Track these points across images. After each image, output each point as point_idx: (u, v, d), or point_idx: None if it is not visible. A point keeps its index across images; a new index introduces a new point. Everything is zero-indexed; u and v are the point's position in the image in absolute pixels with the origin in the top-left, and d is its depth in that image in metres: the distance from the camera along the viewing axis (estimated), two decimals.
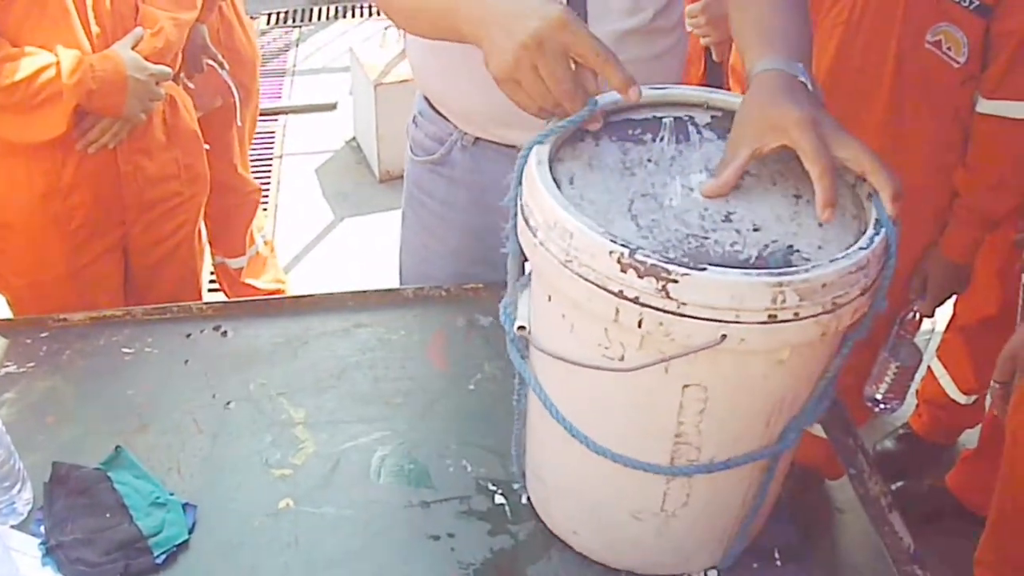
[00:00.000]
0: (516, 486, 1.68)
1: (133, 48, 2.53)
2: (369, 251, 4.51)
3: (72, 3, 2.42)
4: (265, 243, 3.98)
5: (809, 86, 1.44)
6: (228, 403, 1.85)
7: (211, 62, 3.30)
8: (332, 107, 5.54)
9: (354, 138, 5.26)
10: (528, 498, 1.67)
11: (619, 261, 1.17)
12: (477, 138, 2.08)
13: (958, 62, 2.43)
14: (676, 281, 1.16)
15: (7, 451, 1.60)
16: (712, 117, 1.52)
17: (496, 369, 1.86)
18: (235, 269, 3.87)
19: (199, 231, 3.09)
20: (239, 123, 3.49)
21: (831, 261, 1.21)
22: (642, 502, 1.46)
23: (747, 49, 1.55)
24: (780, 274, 1.17)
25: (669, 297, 1.17)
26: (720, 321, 1.17)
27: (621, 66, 1.39)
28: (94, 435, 1.78)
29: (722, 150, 1.42)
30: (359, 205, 4.86)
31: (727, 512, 1.52)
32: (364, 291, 2.11)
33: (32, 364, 1.93)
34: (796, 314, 1.18)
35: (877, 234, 1.26)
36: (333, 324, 2.02)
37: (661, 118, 1.50)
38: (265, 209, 4.25)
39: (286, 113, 5.47)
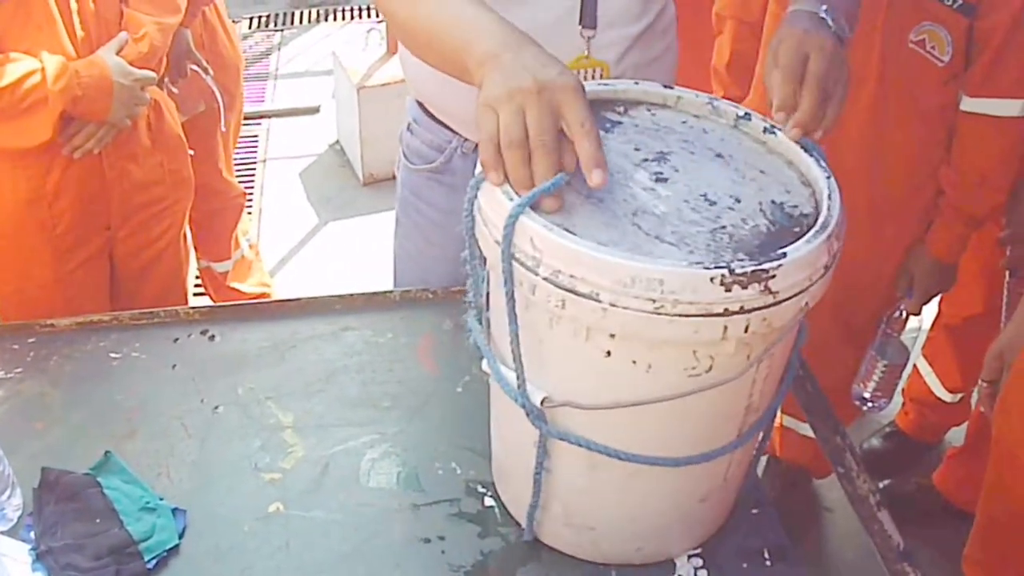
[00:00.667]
0: (526, 522, 1.63)
1: (118, 53, 2.53)
2: (353, 254, 4.51)
3: (57, 9, 2.42)
4: (250, 247, 3.98)
5: (829, 21, 1.56)
6: (216, 407, 1.84)
7: (195, 67, 3.29)
8: (315, 111, 5.53)
9: (337, 141, 5.25)
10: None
11: (723, 282, 1.19)
12: (478, 144, 2.06)
13: (942, 61, 2.44)
14: (774, 276, 1.20)
15: None
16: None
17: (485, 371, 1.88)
18: (220, 273, 3.86)
19: (184, 235, 3.09)
20: (223, 128, 3.48)
21: (829, 197, 1.33)
22: (710, 484, 1.50)
23: None
24: (823, 228, 1.28)
25: (770, 292, 1.21)
26: (802, 292, 1.25)
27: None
28: (83, 440, 1.77)
29: (622, 143, 1.46)
30: (343, 208, 4.85)
31: (753, 449, 1.61)
32: (351, 294, 2.10)
33: (20, 370, 1.92)
34: (835, 256, 1.29)
35: (819, 156, 1.43)
36: (320, 327, 2.01)
37: None
38: (250, 213, 4.24)
39: (269, 117, 5.46)
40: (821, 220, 1.29)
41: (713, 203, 1.35)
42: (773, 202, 1.36)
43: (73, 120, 2.52)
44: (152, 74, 2.62)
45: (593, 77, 1.88)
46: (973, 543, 2.40)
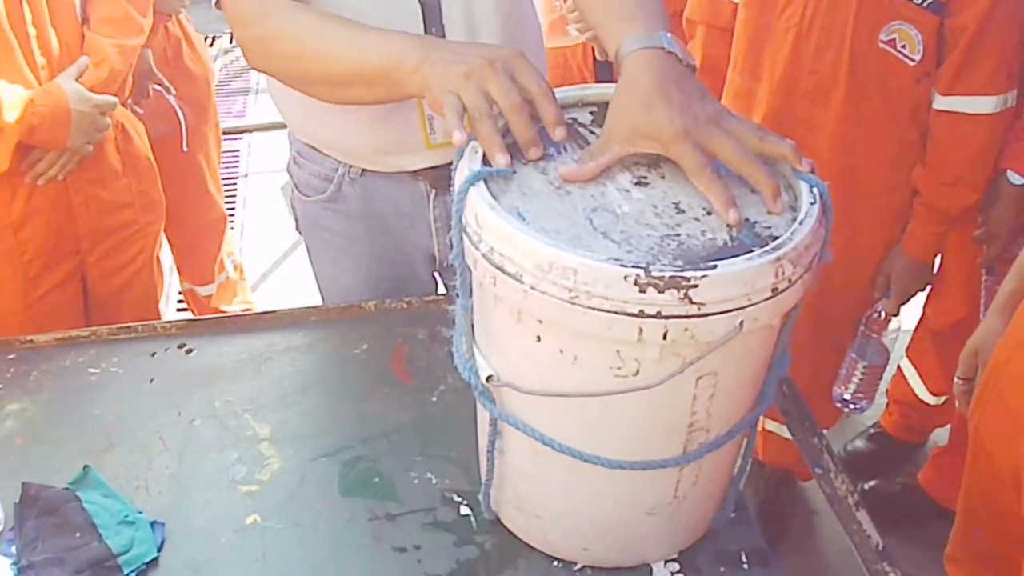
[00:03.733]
0: (481, 497, 1.67)
1: (77, 79, 2.52)
2: None
3: (15, 37, 2.40)
4: (235, 267, 3.96)
5: (679, 55, 1.46)
6: (193, 421, 1.85)
7: (157, 87, 3.27)
8: None
9: None
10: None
11: (636, 282, 1.18)
12: (364, 169, 2.09)
13: (913, 60, 2.46)
14: (696, 285, 1.18)
15: None
16: (591, 113, 1.56)
17: (459, 381, 1.86)
18: (204, 296, 3.85)
19: (157, 258, 3.08)
20: (184, 148, 3.44)
21: (799, 223, 1.28)
22: (657, 497, 1.49)
23: (606, 31, 1.55)
24: (774, 249, 1.23)
25: (692, 302, 1.19)
26: (736, 309, 1.21)
27: (557, 105, 1.44)
28: (62, 455, 1.78)
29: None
30: None
31: (726, 477, 1.58)
32: (325, 306, 2.12)
33: (0, 386, 1.93)
34: (790, 281, 1.25)
35: (815, 187, 1.34)
36: (296, 340, 2.02)
37: None
38: (232, 227, 4.24)
39: (250, 131, 5.46)
40: (776, 242, 1.26)
41: (681, 211, 1.34)
42: (747, 220, 1.34)
43: (34, 148, 2.51)
44: (112, 99, 2.61)
45: None
46: (954, 542, 2.41)
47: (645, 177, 1.41)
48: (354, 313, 2.10)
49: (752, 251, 1.24)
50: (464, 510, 1.68)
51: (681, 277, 1.18)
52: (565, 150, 1.46)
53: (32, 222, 2.60)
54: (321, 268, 2.36)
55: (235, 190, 5.04)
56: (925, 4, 2.40)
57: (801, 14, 2.54)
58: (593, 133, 1.50)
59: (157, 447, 1.80)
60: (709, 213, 1.34)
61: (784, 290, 1.24)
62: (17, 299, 2.67)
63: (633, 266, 1.19)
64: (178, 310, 4.11)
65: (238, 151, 5.28)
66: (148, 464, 1.77)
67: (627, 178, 1.40)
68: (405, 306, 2.10)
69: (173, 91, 3.28)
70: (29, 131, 2.42)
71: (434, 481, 1.73)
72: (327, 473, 1.75)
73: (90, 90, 2.53)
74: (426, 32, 1.87)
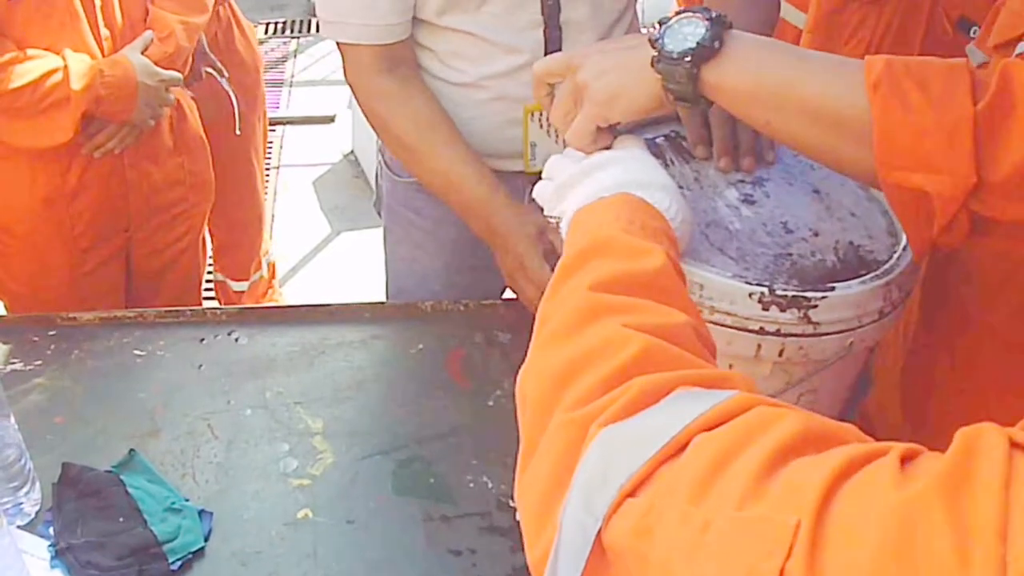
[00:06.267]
0: None
1: (143, 52, 2.49)
2: (365, 265, 4.46)
3: (81, 6, 2.38)
4: (269, 266, 3.92)
5: None
6: (243, 410, 1.81)
7: (210, 69, 3.23)
8: (331, 120, 5.49)
9: (352, 152, 5.21)
10: None
11: (760, 300, 1.20)
12: None
13: None
14: (816, 306, 1.21)
15: (18, 450, 1.56)
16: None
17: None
18: (235, 292, 3.80)
19: (203, 240, 3.05)
20: (237, 132, 3.41)
21: (904, 248, 1.32)
22: None
23: None
24: (884, 274, 1.27)
25: (810, 322, 1.22)
26: (848, 330, 1.25)
27: None
28: (104, 437, 1.74)
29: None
30: (356, 219, 4.81)
31: None
32: (382, 303, 2.10)
33: (39, 362, 1.89)
34: (894, 305, 1.29)
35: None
36: (350, 335, 1.99)
37: (654, 138, 1.54)
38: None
39: (284, 124, 5.44)
40: (886, 267, 1.29)
41: (790, 231, 1.36)
42: (851, 243, 1.36)
43: (94, 119, 2.48)
44: (178, 75, 2.59)
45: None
46: None
47: (751, 195, 1.43)
48: (410, 312, 2.06)
49: (859, 272, 1.28)
50: None
51: (803, 297, 1.21)
52: (672, 163, 1.47)
53: (85, 196, 2.56)
54: (399, 250, 2.32)
55: (267, 182, 5.01)
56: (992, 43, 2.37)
57: (868, 42, 2.51)
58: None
59: (205, 435, 1.76)
60: (816, 234, 1.36)
61: (888, 313, 1.28)
62: (63, 273, 2.64)
63: (758, 284, 1.21)
64: (204, 299, 4.07)
65: (271, 143, 5.24)
66: (195, 451, 1.73)
67: (735, 195, 1.42)
68: (463, 308, 2.06)
69: (226, 74, 3.23)
70: (96, 101, 2.39)
71: (490, 485, 1.69)
72: (381, 471, 1.71)
73: (155, 64, 2.50)
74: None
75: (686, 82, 1.20)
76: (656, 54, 1.22)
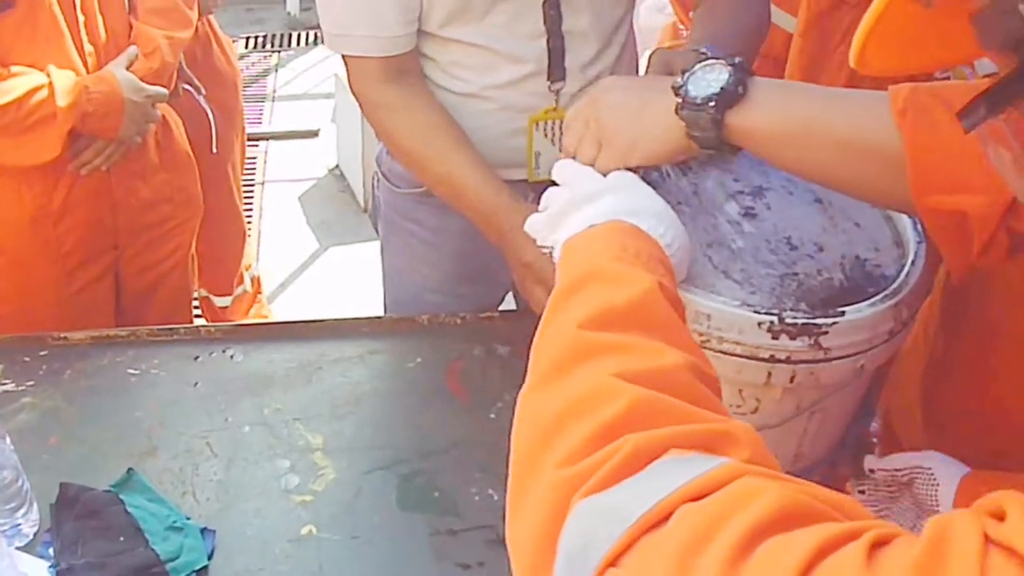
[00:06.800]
0: None
1: (128, 68, 2.47)
2: (355, 280, 4.44)
3: (64, 21, 2.34)
4: (252, 280, 3.90)
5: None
6: (242, 427, 1.80)
7: (187, 86, 3.21)
8: (314, 134, 5.45)
9: (337, 166, 5.17)
10: None
11: (769, 329, 1.20)
12: None
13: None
14: (826, 332, 1.20)
15: (15, 471, 1.54)
16: None
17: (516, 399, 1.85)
18: (219, 307, 3.79)
19: (192, 256, 3.03)
20: (214, 150, 3.37)
21: (912, 263, 1.31)
22: None
23: None
24: (893, 294, 1.26)
25: (820, 348, 1.20)
26: (858, 353, 1.24)
27: None
28: (101, 457, 1.73)
29: (723, 172, 1.46)
30: (343, 234, 4.78)
31: None
32: (379, 317, 2.09)
33: (31, 383, 1.87)
34: (904, 324, 1.27)
35: (914, 225, 1.37)
36: (348, 350, 1.97)
37: None
38: (248, 237, 4.19)
39: (267, 139, 5.41)
40: (894, 286, 1.28)
41: (794, 248, 1.35)
42: (857, 257, 1.35)
43: (81, 136, 2.44)
44: (164, 90, 2.56)
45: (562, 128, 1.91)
46: None
47: (752, 207, 1.41)
48: (408, 326, 2.05)
49: (867, 290, 1.27)
50: None
51: (812, 324, 1.20)
52: (668, 176, 1.45)
53: (73, 214, 2.52)
54: (399, 262, 2.31)
55: (251, 198, 4.98)
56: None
57: None
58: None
59: (204, 453, 1.75)
60: (821, 249, 1.35)
61: (898, 333, 1.27)
62: (50, 293, 2.59)
63: (767, 312, 1.20)
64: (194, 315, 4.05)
65: (254, 159, 5.21)
66: (195, 470, 1.71)
67: (735, 209, 1.40)
68: (459, 321, 2.05)
69: (203, 91, 3.21)
70: (82, 118, 2.35)
71: (496, 498, 1.68)
72: (384, 486, 1.70)
73: (140, 80, 2.48)
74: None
75: (711, 128, 1.20)
76: (680, 101, 1.23)
